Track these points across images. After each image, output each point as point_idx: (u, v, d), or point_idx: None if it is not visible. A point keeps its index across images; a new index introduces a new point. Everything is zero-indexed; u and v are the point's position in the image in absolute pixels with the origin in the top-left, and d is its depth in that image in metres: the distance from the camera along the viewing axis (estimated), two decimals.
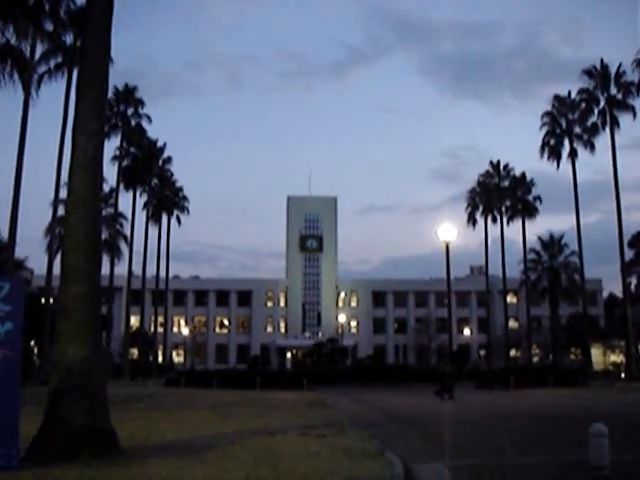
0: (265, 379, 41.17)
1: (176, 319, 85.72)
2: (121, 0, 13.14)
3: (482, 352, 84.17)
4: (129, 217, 59.30)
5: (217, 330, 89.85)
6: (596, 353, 62.89)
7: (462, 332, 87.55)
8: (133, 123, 59.36)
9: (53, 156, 42.39)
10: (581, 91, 55.64)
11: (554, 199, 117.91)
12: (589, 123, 55.59)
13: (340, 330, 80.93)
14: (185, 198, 69.86)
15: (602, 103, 54.51)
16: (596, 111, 54.91)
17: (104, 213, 51.16)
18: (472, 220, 66.80)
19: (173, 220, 68.79)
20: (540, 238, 62.35)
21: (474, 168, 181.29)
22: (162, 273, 68.23)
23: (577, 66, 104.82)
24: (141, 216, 63.64)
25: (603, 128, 54.26)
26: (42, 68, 40.38)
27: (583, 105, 55.97)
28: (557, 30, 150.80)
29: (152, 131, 62.98)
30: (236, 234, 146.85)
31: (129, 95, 58.50)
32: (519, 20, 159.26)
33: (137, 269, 64.39)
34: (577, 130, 56.67)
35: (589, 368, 52.95)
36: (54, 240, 45.16)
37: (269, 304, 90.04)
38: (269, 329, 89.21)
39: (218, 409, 21.75)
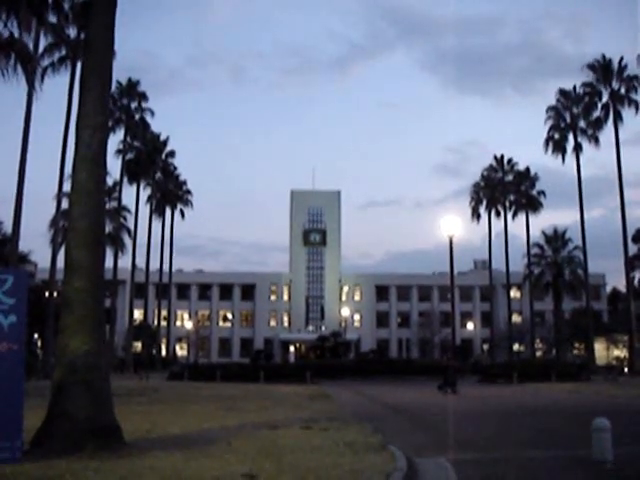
0: (268, 372, 41.20)
1: (180, 313, 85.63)
2: None
3: (485, 346, 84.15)
4: (133, 210, 59.46)
5: (220, 324, 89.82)
6: (599, 348, 62.81)
7: (465, 326, 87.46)
8: (136, 117, 59.41)
9: (57, 149, 42.38)
10: (585, 85, 55.56)
11: (557, 194, 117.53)
12: (593, 117, 55.49)
13: (343, 324, 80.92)
14: (189, 192, 70.06)
15: (605, 97, 54.44)
16: (599, 105, 54.84)
17: (108, 206, 51.07)
18: (476, 214, 66.76)
19: (177, 214, 69.05)
20: (544, 232, 62.22)
21: (476, 163, 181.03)
22: (166, 267, 68.54)
23: (579, 61, 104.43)
24: (145, 209, 63.79)
25: (606, 122, 54.18)
26: (46, 61, 40.49)
27: (587, 99, 55.88)
28: (559, 25, 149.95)
29: (155, 126, 63.05)
30: (240, 228, 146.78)
31: (132, 89, 58.48)
32: (521, 15, 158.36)
33: (141, 262, 64.63)
34: (581, 124, 56.57)
35: (592, 363, 52.94)
36: (58, 233, 45.14)
37: (272, 298, 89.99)
38: (272, 323, 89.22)
39: (221, 402, 21.78)
